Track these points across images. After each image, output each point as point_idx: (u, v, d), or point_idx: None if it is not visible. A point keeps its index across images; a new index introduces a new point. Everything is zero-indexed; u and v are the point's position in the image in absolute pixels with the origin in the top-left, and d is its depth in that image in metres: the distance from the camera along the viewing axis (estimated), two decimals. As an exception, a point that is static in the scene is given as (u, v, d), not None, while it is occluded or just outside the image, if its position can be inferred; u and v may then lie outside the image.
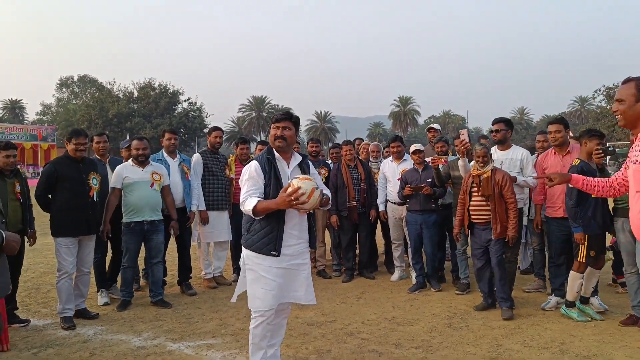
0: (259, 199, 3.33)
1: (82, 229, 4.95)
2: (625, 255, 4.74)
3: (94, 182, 5.07)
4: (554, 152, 5.40)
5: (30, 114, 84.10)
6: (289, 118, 3.53)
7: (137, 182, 5.47)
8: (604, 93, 49.72)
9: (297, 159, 3.57)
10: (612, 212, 4.90)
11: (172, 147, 6.18)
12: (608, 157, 4.79)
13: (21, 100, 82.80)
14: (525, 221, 5.85)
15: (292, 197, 3.11)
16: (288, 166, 3.52)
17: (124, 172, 5.53)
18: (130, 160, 5.70)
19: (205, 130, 58.41)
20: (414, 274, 6.27)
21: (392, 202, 6.44)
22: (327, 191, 3.57)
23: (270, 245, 3.39)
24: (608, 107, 50.55)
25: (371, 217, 6.66)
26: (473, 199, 5.20)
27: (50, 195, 4.98)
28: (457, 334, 4.57)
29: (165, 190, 5.69)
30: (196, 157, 6.46)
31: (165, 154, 6.12)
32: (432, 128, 7.32)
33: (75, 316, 5.00)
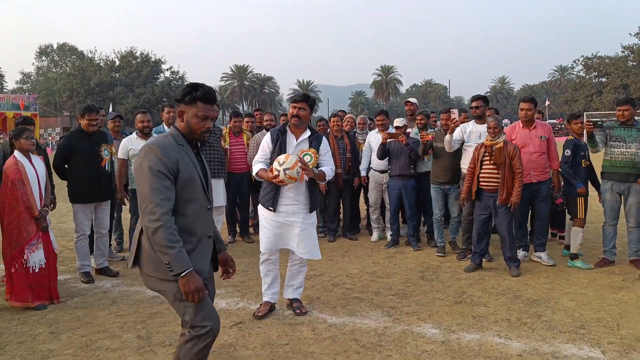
0: (261, 167, 4.10)
1: (96, 196, 5.53)
2: (609, 211, 5.81)
3: (105, 153, 5.63)
4: (522, 126, 6.08)
5: (10, 83, 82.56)
6: (306, 100, 4.24)
7: (141, 153, 6.02)
8: (583, 63, 50.57)
9: (306, 134, 4.24)
10: (600, 176, 6.02)
11: (171, 119, 6.72)
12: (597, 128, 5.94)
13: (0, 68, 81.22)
14: None
15: (272, 178, 3.96)
16: (296, 140, 4.22)
17: (130, 144, 6.09)
18: (134, 133, 6.25)
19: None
20: (389, 233, 7.01)
21: (375, 170, 7.11)
22: (327, 167, 4.23)
23: (269, 201, 4.22)
24: (586, 76, 51.51)
25: (354, 184, 7.32)
26: (484, 167, 5.72)
27: (66, 166, 5.52)
28: (429, 284, 5.30)
29: None
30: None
31: (165, 127, 6.67)
32: (409, 101, 7.92)
33: (98, 273, 5.63)
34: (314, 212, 4.41)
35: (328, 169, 4.29)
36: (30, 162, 4.76)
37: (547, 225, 6.27)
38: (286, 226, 4.26)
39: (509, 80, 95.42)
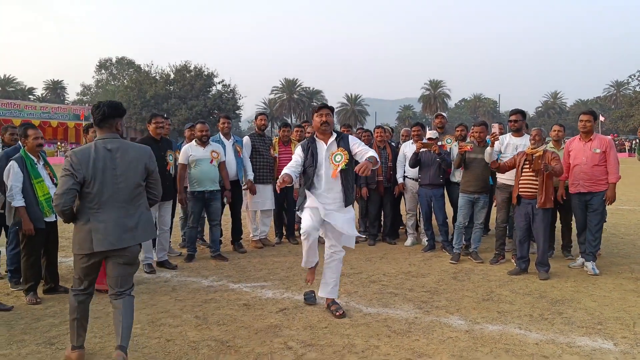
0: (286, 172, 4.58)
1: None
2: None
3: (170, 158, 6.29)
4: (579, 138, 6.34)
5: (71, 94, 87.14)
6: (328, 107, 4.78)
7: (200, 159, 6.67)
8: (639, 78, 49.20)
9: (332, 137, 4.73)
10: None
11: (226, 129, 7.36)
12: None
13: (62, 81, 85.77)
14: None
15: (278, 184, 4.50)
16: (325, 144, 4.71)
17: (190, 151, 6.74)
18: (194, 141, 6.91)
19: (238, 112, 60.13)
20: (425, 239, 7.40)
21: (409, 178, 7.55)
22: (369, 153, 4.59)
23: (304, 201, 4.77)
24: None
25: (395, 192, 7.75)
26: (523, 174, 6.04)
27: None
28: (460, 284, 5.67)
29: (221, 166, 6.88)
30: (246, 139, 7.64)
31: (221, 136, 7.31)
32: (440, 115, 8.32)
33: (159, 266, 6.30)
34: (351, 207, 4.81)
35: (370, 154, 4.60)
36: None
37: (597, 237, 6.14)
38: (329, 213, 4.67)
39: (561, 95, 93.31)
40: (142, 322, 4.47)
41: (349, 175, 4.73)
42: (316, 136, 4.81)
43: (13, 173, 4.87)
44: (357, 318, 4.57)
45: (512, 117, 6.69)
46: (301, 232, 4.68)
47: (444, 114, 8.34)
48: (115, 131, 3.65)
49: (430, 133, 7.17)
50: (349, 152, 4.66)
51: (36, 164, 5.08)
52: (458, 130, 7.39)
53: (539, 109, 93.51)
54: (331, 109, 4.80)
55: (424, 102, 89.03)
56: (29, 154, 5.06)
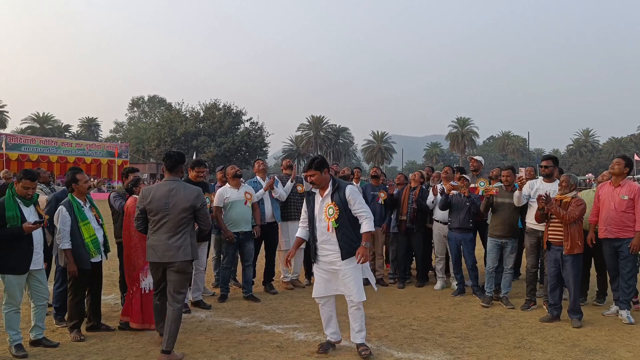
0: (297, 234, 5.13)
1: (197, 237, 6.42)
2: None
3: (207, 200, 6.54)
4: (610, 183, 6.35)
5: (104, 131, 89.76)
6: (312, 167, 4.81)
7: (235, 201, 6.91)
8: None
9: (329, 190, 4.83)
10: None
11: (262, 171, 7.63)
12: None
13: (96, 118, 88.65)
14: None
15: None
16: (321, 197, 4.88)
17: (225, 193, 6.99)
18: (227, 184, 7.16)
19: (265, 149, 60.97)
20: (454, 282, 7.43)
21: (437, 221, 7.64)
22: (364, 223, 4.74)
23: (312, 255, 4.99)
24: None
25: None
26: (552, 220, 6.05)
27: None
28: (491, 330, 5.69)
29: (254, 205, 7.11)
30: (276, 178, 7.89)
31: (258, 178, 7.58)
32: (473, 159, 8.44)
33: (194, 305, 6.48)
34: (353, 257, 4.71)
35: (364, 224, 4.73)
36: None
37: (631, 284, 6.08)
38: (331, 274, 4.85)
39: (593, 133, 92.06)
40: (180, 362, 4.62)
41: (346, 228, 4.75)
42: (315, 189, 5.00)
43: (62, 217, 5.16)
44: (388, 363, 4.65)
45: (544, 163, 6.76)
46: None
47: (478, 157, 8.41)
48: (179, 174, 4.96)
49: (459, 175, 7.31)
50: (345, 204, 4.73)
51: (83, 206, 5.37)
52: (504, 175, 7.06)
53: (570, 147, 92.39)
54: (316, 166, 4.81)
55: (451, 140, 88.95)
56: (75, 197, 5.35)
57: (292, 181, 7.80)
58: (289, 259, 5.15)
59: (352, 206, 4.74)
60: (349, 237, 4.75)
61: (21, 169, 5.78)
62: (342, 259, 4.73)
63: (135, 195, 5.75)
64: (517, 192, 6.56)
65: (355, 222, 4.78)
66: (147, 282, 5.57)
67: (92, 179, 43.05)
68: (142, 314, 5.54)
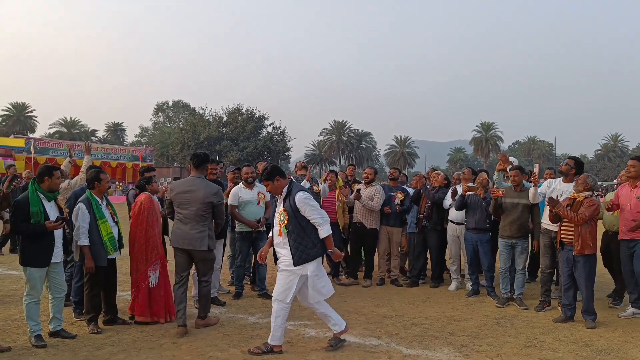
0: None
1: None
2: None
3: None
4: (627, 184, 6.32)
5: (130, 136, 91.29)
6: (265, 178, 4.86)
7: (248, 201, 7.02)
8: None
9: (283, 196, 4.84)
10: None
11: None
12: None
13: (122, 123, 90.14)
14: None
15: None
16: (280, 200, 4.91)
17: (239, 193, 7.11)
18: (241, 183, 7.28)
19: (287, 154, 61.31)
20: (469, 283, 7.42)
21: (452, 222, 7.65)
22: (320, 228, 4.74)
23: (273, 256, 5.32)
24: None
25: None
26: (565, 220, 5.99)
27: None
28: (502, 329, 5.68)
29: (267, 204, 7.21)
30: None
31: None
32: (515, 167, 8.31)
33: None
34: (311, 263, 4.74)
35: (320, 231, 4.75)
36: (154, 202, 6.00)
37: None
38: (284, 274, 4.83)
39: (622, 137, 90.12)
40: (192, 354, 4.74)
41: (298, 234, 4.73)
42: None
43: (81, 214, 5.33)
44: (397, 359, 4.68)
45: (565, 161, 6.71)
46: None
47: (511, 159, 8.27)
48: (205, 172, 5.69)
49: (481, 175, 7.31)
50: (297, 211, 4.71)
51: (100, 204, 5.54)
52: (512, 175, 6.97)
53: (599, 152, 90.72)
54: (268, 176, 4.85)
55: (475, 145, 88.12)
56: (94, 195, 5.53)
57: (307, 181, 7.91)
58: (262, 254, 5.18)
59: (304, 214, 4.71)
60: (300, 244, 4.73)
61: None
62: (294, 265, 4.72)
63: (146, 192, 5.92)
64: (532, 189, 6.56)
65: (312, 228, 4.76)
66: (154, 277, 5.77)
67: (117, 182, 43.66)
68: (150, 307, 5.73)
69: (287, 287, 4.79)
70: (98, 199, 5.54)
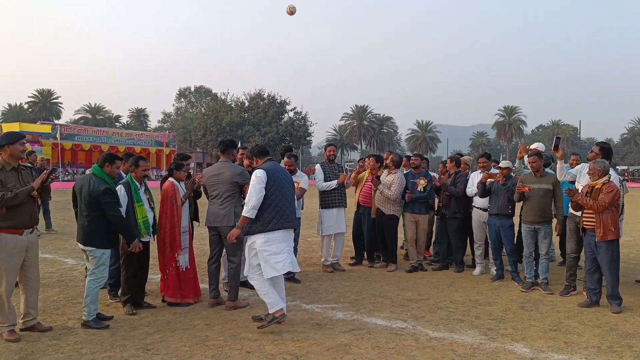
0: None
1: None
2: None
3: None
4: None
5: (153, 121, 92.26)
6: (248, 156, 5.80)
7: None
8: None
9: None
10: None
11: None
12: None
13: (145, 108, 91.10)
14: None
15: None
16: None
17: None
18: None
19: (309, 139, 61.44)
20: (493, 268, 7.47)
21: (477, 208, 7.69)
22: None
23: None
24: None
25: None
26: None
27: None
28: (527, 314, 5.74)
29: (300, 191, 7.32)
30: (317, 167, 8.09)
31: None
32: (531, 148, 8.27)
33: (240, 285, 6.75)
34: (258, 237, 5.13)
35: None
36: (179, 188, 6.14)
37: None
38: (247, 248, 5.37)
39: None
40: (224, 335, 4.91)
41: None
42: None
43: (120, 195, 5.51)
44: (423, 341, 4.79)
45: (594, 148, 6.65)
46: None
47: (539, 144, 8.23)
48: (231, 156, 6.17)
49: (503, 163, 7.32)
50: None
51: (139, 189, 5.72)
52: (530, 161, 7.21)
53: (625, 135, 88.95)
54: (253, 154, 5.60)
55: (498, 129, 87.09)
56: (134, 179, 5.72)
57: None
58: (233, 236, 5.34)
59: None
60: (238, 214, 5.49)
61: (127, 155, 6.61)
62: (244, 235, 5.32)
63: (171, 179, 6.10)
64: (559, 164, 6.60)
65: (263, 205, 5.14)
66: (183, 259, 5.99)
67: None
68: (180, 290, 5.93)
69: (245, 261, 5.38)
70: (137, 183, 5.73)
